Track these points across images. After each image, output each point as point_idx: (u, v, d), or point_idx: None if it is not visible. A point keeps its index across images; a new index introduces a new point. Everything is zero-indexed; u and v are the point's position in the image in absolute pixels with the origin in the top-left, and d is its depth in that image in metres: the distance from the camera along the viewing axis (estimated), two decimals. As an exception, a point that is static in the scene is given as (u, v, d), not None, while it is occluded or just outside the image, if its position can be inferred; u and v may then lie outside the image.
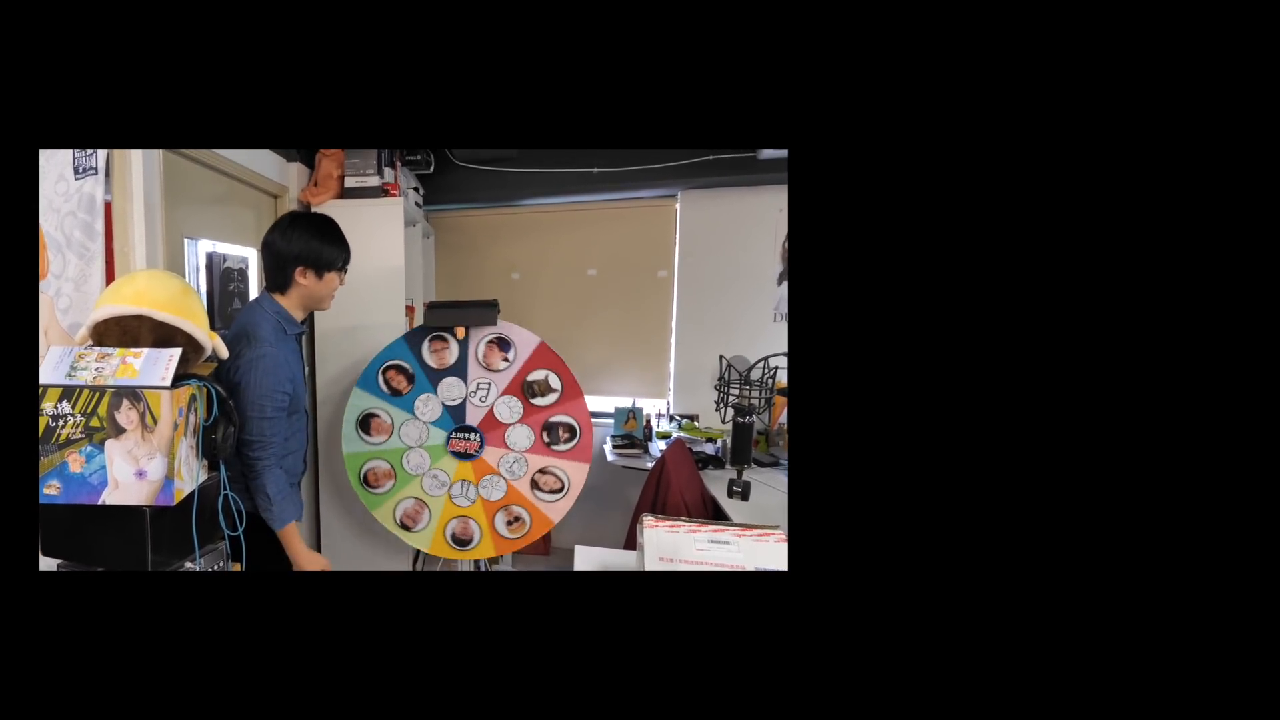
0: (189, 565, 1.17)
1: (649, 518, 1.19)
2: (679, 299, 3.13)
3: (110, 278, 1.50)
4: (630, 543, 2.20)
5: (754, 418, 2.01)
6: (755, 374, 2.02)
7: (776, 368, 2.06)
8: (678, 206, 3.08)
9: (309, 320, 1.64)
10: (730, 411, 2.03)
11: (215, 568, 1.24)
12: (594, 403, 2.70)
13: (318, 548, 2.59)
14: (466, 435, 2.08)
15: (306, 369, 2.30)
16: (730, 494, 2.03)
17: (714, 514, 2.01)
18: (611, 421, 3.06)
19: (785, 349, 2.54)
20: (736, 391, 2.00)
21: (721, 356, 2.12)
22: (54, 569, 1.12)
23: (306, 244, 1.54)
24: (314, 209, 2.44)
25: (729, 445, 2.39)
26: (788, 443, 2.57)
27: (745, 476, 2.07)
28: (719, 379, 2.09)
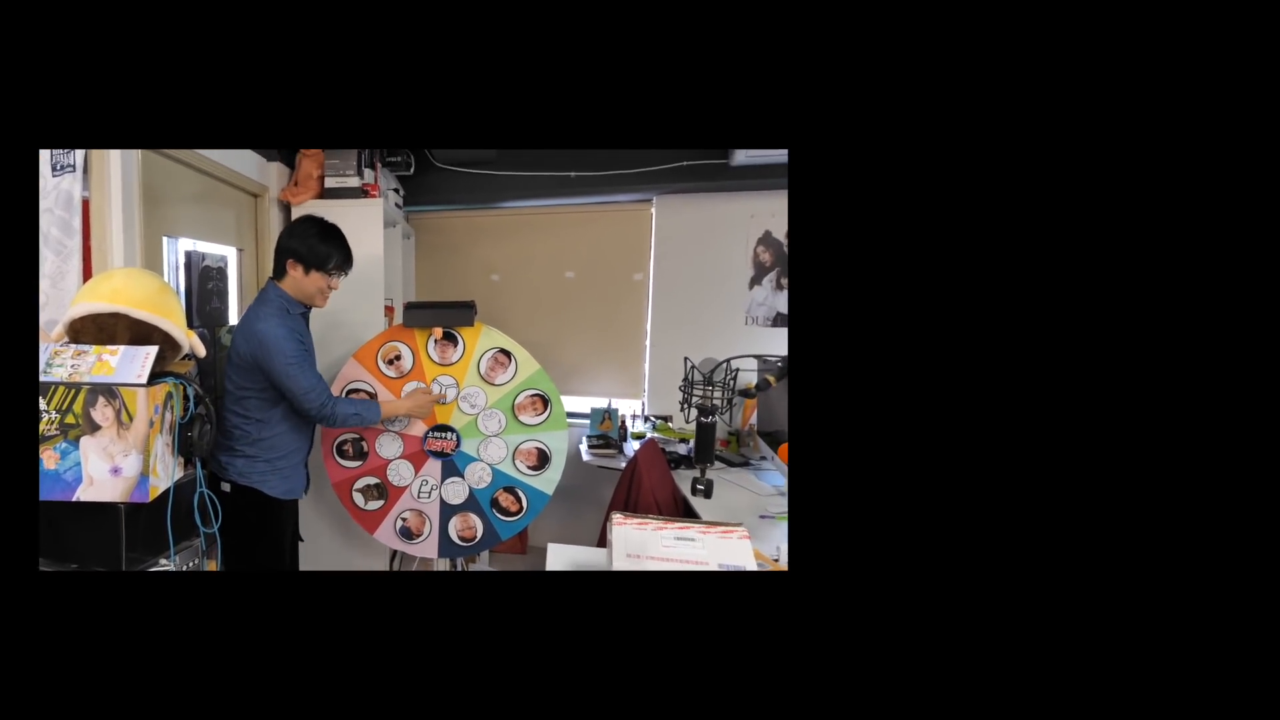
0: (164, 562, 1.18)
1: (618, 516, 1.24)
2: (654, 302, 3.18)
3: (87, 275, 1.51)
4: (603, 540, 2.24)
5: (715, 418, 2.07)
6: (718, 376, 2.07)
7: (738, 370, 2.12)
8: (653, 211, 3.13)
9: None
10: (694, 412, 2.08)
11: (190, 565, 1.25)
12: (570, 403, 2.74)
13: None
14: (443, 435, 2.11)
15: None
16: (694, 491, 2.08)
17: (684, 512, 2.06)
18: (587, 422, 3.10)
19: (755, 352, 2.60)
20: (699, 393, 2.05)
21: (686, 359, 2.16)
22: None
23: (302, 242, 1.76)
24: (294, 209, 2.45)
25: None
26: (758, 445, 2.62)
27: (710, 475, 2.12)
28: (683, 380, 2.13)
